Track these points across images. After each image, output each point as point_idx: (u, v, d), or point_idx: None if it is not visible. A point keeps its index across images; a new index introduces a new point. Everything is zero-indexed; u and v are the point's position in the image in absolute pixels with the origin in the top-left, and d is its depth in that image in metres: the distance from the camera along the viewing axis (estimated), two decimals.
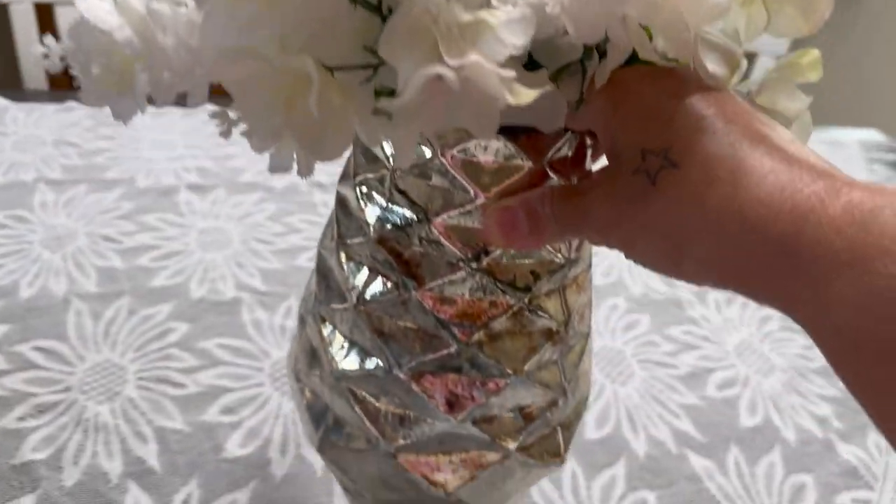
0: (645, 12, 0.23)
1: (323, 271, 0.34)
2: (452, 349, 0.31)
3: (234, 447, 0.49)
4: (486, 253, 0.30)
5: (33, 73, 0.97)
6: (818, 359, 0.64)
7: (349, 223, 0.32)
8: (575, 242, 0.32)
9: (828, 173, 0.21)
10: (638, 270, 0.71)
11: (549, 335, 0.32)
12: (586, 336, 0.35)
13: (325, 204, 0.75)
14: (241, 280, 0.63)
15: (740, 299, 0.70)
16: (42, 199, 0.69)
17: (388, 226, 0.31)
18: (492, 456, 0.33)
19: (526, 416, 0.33)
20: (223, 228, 0.69)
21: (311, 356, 0.35)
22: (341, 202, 0.33)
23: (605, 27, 0.23)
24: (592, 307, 0.36)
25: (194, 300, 0.60)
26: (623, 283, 0.70)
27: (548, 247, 0.31)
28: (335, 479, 0.39)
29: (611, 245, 0.26)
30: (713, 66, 0.24)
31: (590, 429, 0.54)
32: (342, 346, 0.33)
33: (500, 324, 0.31)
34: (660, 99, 0.24)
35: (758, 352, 0.64)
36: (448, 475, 0.33)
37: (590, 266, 0.35)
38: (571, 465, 0.52)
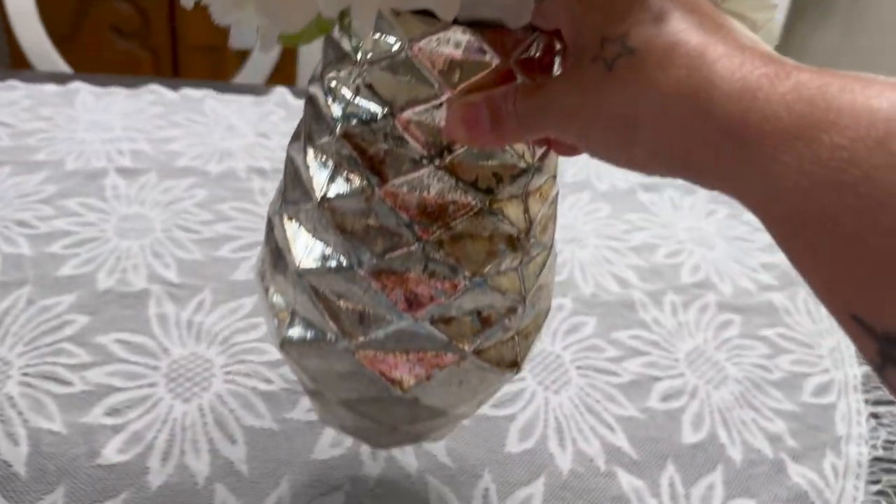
0: None
1: (291, 171, 0.35)
2: (413, 247, 0.31)
3: (112, 453, 0.45)
4: (450, 151, 0.30)
5: None
6: (778, 369, 0.59)
7: (317, 122, 0.33)
8: (539, 151, 0.32)
9: (778, 60, 0.21)
10: (591, 269, 0.66)
11: (510, 241, 0.33)
12: (549, 248, 0.36)
13: (264, 192, 0.70)
14: (154, 271, 0.59)
15: (698, 303, 0.64)
16: None
17: (354, 121, 0.31)
18: (448, 357, 0.34)
19: (484, 320, 0.34)
20: (146, 215, 0.65)
21: (277, 256, 0.35)
22: (311, 101, 0.33)
23: None
24: (556, 223, 0.37)
25: (100, 291, 0.56)
26: (573, 282, 0.65)
27: (511, 151, 0.31)
28: (298, 379, 0.40)
29: (570, 138, 0.26)
30: None
31: (512, 441, 0.50)
32: (306, 245, 0.33)
33: (461, 224, 0.31)
34: None
35: (711, 360, 0.59)
36: (405, 374, 0.34)
37: (555, 178, 0.35)
38: (485, 480, 0.47)
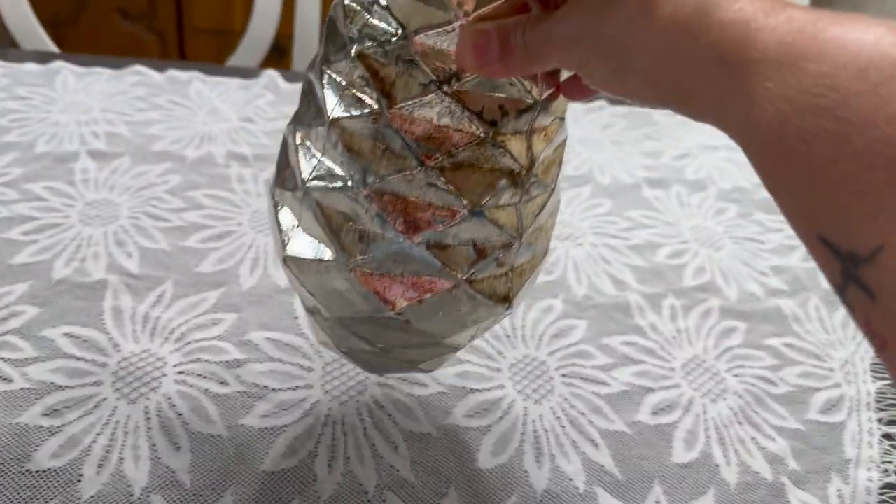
0: None
1: (306, 92, 0.36)
2: (415, 171, 0.32)
3: (45, 457, 0.42)
4: (458, 79, 0.31)
5: None
6: (783, 383, 0.54)
7: (334, 43, 0.34)
8: (547, 90, 0.33)
9: None
10: (585, 269, 0.62)
11: (511, 176, 0.33)
12: (550, 191, 0.36)
13: (242, 179, 0.66)
14: (114, 260, 0.55)
15: (700, 308, 0.60)
16: None
17: (368, 42, 0.32)
18: (441, 283, 0.34)
19: (479, 251, 0.34)
20: (113, 201, 0.61)
21: (287, 173, 0.36)
22: (330, 23, 0.34)
23: None
24: (561, 167, 0.38)
25: (54, 281, 0.53)
26: (565, 282, 0.60)
27: (519, 85, 0.32)
28: (299, 297, 0.40)
29: (571, 67, 0.27)
30: None
31: (484, 455, 0.46)
32: (314, 163, 0.35)
33: (463, 154, 0.32)
34: None
35: (710, 370, 0.54)
36: (398, 295, 0.34)
37: (562, 121, 0.35)
38: (450, 499, 0.43)
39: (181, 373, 0.48)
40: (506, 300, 0.36)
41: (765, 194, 0.75)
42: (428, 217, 0.33)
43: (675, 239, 0.68)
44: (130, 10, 1.44)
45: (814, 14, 0.21)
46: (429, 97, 0.31)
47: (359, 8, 0.32)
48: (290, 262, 0.36)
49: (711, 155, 0.81)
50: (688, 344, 0.56)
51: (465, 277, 0.34)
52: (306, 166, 0.35)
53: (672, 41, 0.23)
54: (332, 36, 0.34)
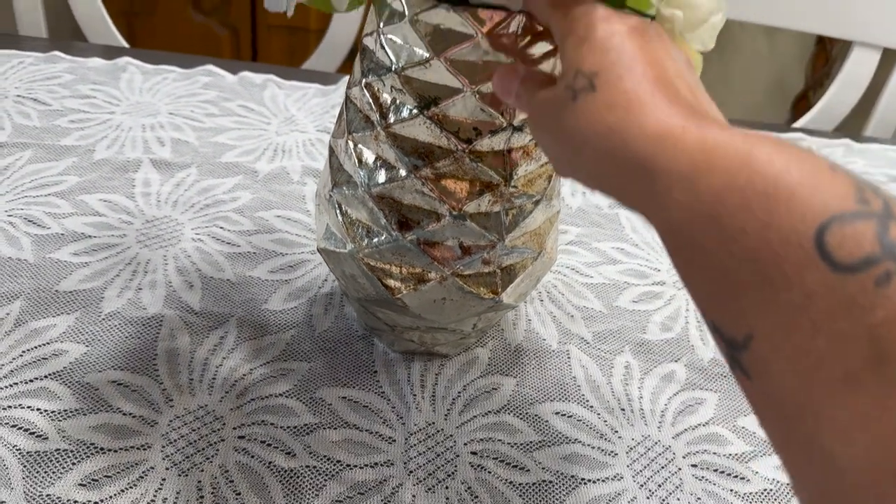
0: None
1: (340, 110, 0.42)
2: (406, 180, 0.38)
3: None
4: (436, 104, 0.37)
5: (29, 18, 0.86)
6: None
7: (355, 72, 0.41)
8: (515, 114, 0.38)
9: (700, 115, 0.25)
10: None
11: (490, 187, 0.39)
12: (536, 202, 0.41)
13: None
14: (173, 292, 0.48)
15: None
16: None
17: (373, 75, 0.38)
18: (432, 275, 0.40)
19: (464, 249, 0.40)
20: (176, 220, 0.55)
21: (322, 179, 0.44)
22: (358, 55, 0.40)
23: None
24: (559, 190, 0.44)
25: (104, 314, 0.46)
26: (687, 341, 0.51)
27: (488, 111, 0.37)
28: (376, 345, 0.47)
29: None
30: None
31: None
32: (338, 170, 0.42)
33: (445, 166, 0.38)
34: (606, 35, 0.27)
35: None
36: (397, 282, 0.41)
37: None
38: None
39: (242, 437, 0.40)
40: (494, 293, 0.42)
41: None
42: (417, 218, 0.39)
43: None
44: (204, 3, 1.39)
45: (722, 132, 0.23)
46: (416, 121, 0.37)
47: (370, 46, 0.39)
48: (322, 252, 0.44)
49: None
50: None
51: (451, 271, 0.40)
52: (333, 174, 0.42)
53: (608, 148, 0.26)
54: (356, 67, 0.41)
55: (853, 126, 0.94)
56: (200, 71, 0.73)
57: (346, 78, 0.75)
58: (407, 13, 0.36)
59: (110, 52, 0.75)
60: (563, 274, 0.56)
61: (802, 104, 1.72)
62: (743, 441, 0.45)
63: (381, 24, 0.38)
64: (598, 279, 0.56)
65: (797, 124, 0.91)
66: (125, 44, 0.88)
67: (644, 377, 0.48)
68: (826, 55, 1.71)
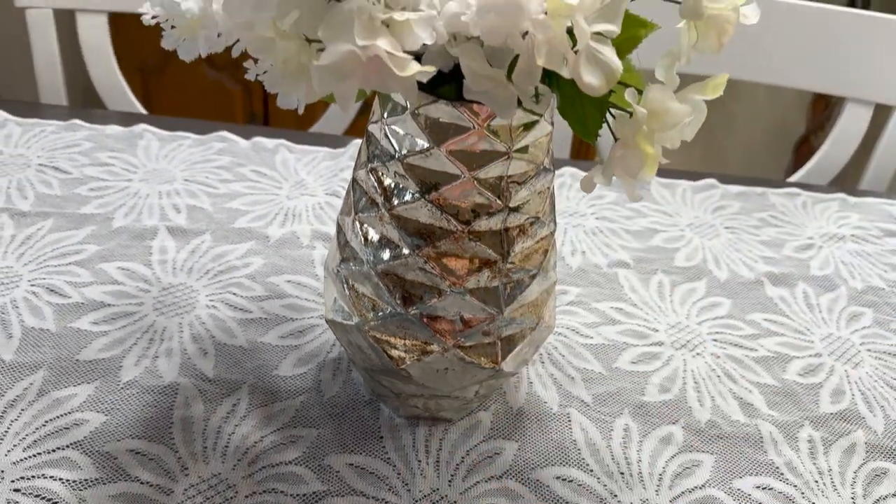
0: (535, 28, 0.31)
1: (348, 188, 0.45)
2: (408, 257, 0.41)
3: None
4: (436, 189, 0.39)
5: (50, 87, 0.89)
6: None
7: (361, 157, 0.44)
8: (511, 196, 0.41)
9: None
10: (708, 388, 0.54)
11: (488, 264, 0.41)
12: (535, 275, 0.43)
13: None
14: (188, 360, 0.51)
15: (841, 443, 0.51)
16: None
17: (375, 160, 0.42)
18: (433, 347, 0.42)
19: (465, 322, 0.42)
20: (191, 287, 0.57)
21: (331, 254, 0.47)
22: (364, 140, 0.44)
23: (505, 36, 0.32)
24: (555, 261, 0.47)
25: (123, 383, 0.48)
26: (685, 403, 0.53)
27: (485, 195, 0.40)
28: (382, 410, 0.49)
29: None
30: (590, 77, 0.32)
31: None
32: (342, 247, 0.45)
33: (445, 245, 0.40)
34: None
35: None
36: (401, 353, 0.43)
37: (541, 220, 0.43)
38: None
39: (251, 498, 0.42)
40: (494, 363, 0.44)
41: None
42: (419, 293, 0.41)
43: (807, 352, 0.59)
44: (216, 59, 1.43)
45: None
46: (416, 203, 0.40)
47: (376, 134, 0.42)
48: (329, 323, 0.46)
49: (838, 246, 0.73)
50: (833, 491, 0.48)
51: (453, 343, 0.42)
52: (340, 249, 0.45)
53: None
54: (362, 150, 0.43)
55: (848, 180, 0.97)
56: (214, 137, 0.76)
57: (355, 141, 0.78)
58: (409, 107, 0.39)
59: (128, 119, 0.78)
60: (563, 335, 0.58)
61: (804, 148, 1.74)
62: (738, 503, 0.46)
63: (385, 115, 0.40)
64: (598, 340, 0.58)
65: (793, 178, 0.93)
66: (142, 109, 0.91)
67: (643, 440, 0.50)
68: (826, 100, 1.74)
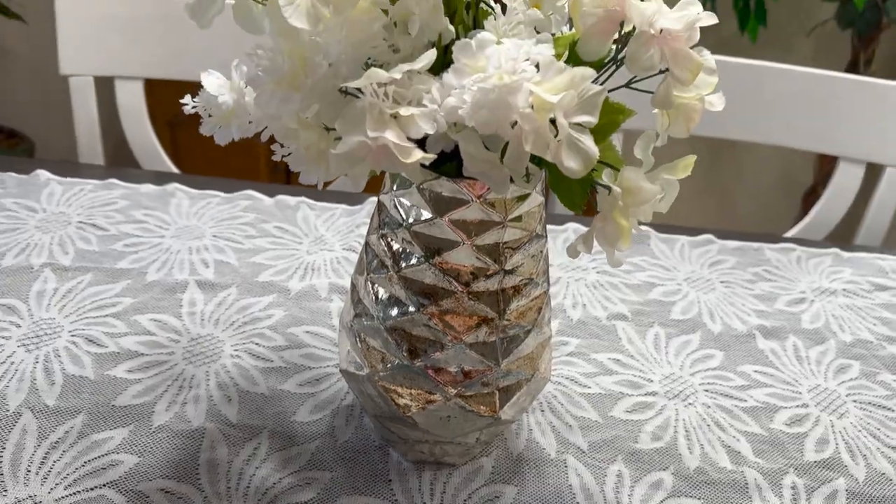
0: (522, 120, 0.36)
1: (362, 250, 0.50)
2: (414, 315, 0.46)
3: None
4: (439, 254, 0.45)
5: (89, 146, 0.96)
6: None
7: (372, 222, 0.49)
8: (506, 260, 0.46)
9: None
10: (699, 435, 0.58)
11: (486, 321, 0.46)
12: (530, 330, 0.48)
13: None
14: (214, 406, 0.55)
15: (824, 489, 0.54)
16: (41, 288, 0.65)
17: (385, 228, 0.47)
18: (437, 396, 0.47)
19: (465, 374, 0.47)
20: (217, 338, 0.62)
21: (345, 309, 0.51)
22: (376, 207, 0.49)
23: (496, 126, 0.36)
24: (549, 319, 0.52)
25: (153, 427, 0.53)
26: (675, 450, 0.56)
27: (483, 259, 0.45)
28: (392, 455, 0.54)
29: None
30: (570, 162, 0.36)
31: None
32: (358, 304, 0.49)
33: (447, 303, 0.45)
34: None
35: None
36: (408, 401, 0.47)
37: (535, 281, 0.48)
38: None
39: None
40: (493, 412, 0.48)
41: (892, 349, 0.70)
42: (424, 347, 0.46)
43: (794, 402, 0.63)
44: None
45: None
46: (421, 266, 0.45)
47: (386, 203, 0.47)
48: (343, 373, 0.51)
49: (829, 300, 0.76)
50: None
51: (455, 392, 0.46)
52: (354, 305, 0.49)
53: None
54: (374, 218, 0.48)
55: (843, 236, 1.00)
56: (241, 195, 0.82)
57: (371, 199, 0.84)
58: (414, 182, 0.44)
59: (160, 178, 0.84)
60: (562, 385, 0.62)
61: (812, 198, 1.78)
62: None
63: (395, 188, 0.45)
64: (595, 389, 0.62)
65: (789, 233, 0.97)
66: (172, 165, 0.97)
67: (634, 485, 0.53)
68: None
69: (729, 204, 2.04)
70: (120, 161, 1.07)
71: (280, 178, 1.83)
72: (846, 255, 0.85)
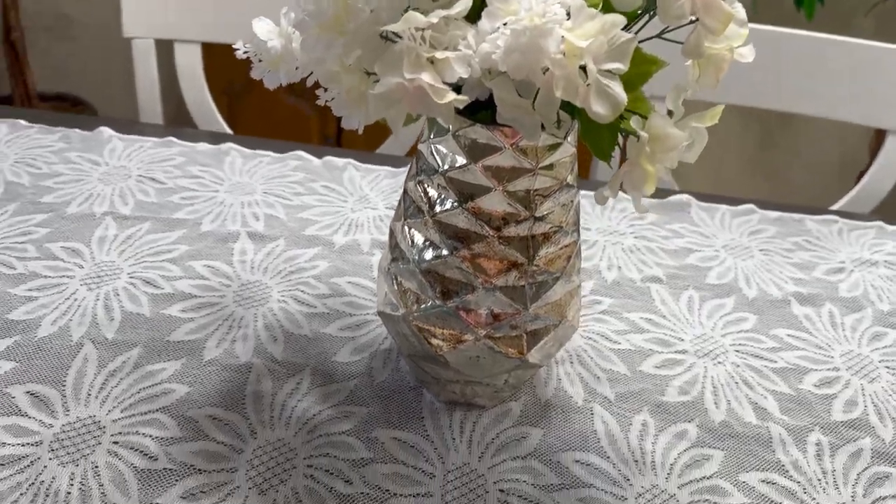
0: (553, 66, 0.38)
1: (401, 197, 0.52)
2: (447, 258, 0.48)
3: None
4: (472, 199, 0.47)
5: (149, 107, 1.00)
6: None
7: (410, 170, 0.52)
8: (536, 207, 0.48)
9: None
10: (725, 392, 0.59)
11: (516, 265, 0.48)
12: (558, 278, 0.50)
13: None
14: (261, 344, 0.58)
15: (849, 447, 0.55)
16: (103, 234, 0.69)
17: (422, 173, 0.49)
18: (467, 336, 0.49)
19: (495, 316, 0.49)
20: (265, 284, 0.65)
21: (384, 254, 0.54)
22: (417, 155, 0.51)
23: (528, 71, 0.38)
24: (579, 267, 0.53)
25: (205, 361, 0.56)
26: (702, 404, 0.58)
27: (514, 205, 0.47)
28: (425, 395, 0.56)
29: None
30: (598, 107, 0.38)
31: None
32: (395, 248, 0.52)
33: (479, 248, 0.47)
34: None
35: None
36: (440, 341, 0.49)
37: (565, 229, 0.50)
38: None
39: (310, 466, 0.49)
40: (521, 353, 0.50)
41: None
42: (455, 289, 0.48)
43: (825, 365, 0.63)
44: (295, 87, 1.55)
45: None
46: (454, 210, 0.47)
47: (424, 151, 0.49)
48: (380, 314, 0.54)
49: (869, 271, 0.76)
50: (834, 489, 0.52)
51: (484, 333, 0.49)
52: (391, 250, 0.52)
53: None
54: (412, 165, 0.51)
55: (890, 209, 0.99)
56: (291, 155, 0.85)
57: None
58: (450, 129, 0.46)
59: (216, 138, 0.88)
60: (593, 340, 0.63)
61: None
62: (742, 494, 0.51)
63: (432, 136, 0.48)
64: (626, 345, 0.63)
65: (834, 206, 0.96)
66: (228, 129, 1.01)
67: (658, 434, 0.55)
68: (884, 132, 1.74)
69: (782, 184, 2.01)
70: (178, 123, 1.11)
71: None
72: (890, 228, 0.84)
